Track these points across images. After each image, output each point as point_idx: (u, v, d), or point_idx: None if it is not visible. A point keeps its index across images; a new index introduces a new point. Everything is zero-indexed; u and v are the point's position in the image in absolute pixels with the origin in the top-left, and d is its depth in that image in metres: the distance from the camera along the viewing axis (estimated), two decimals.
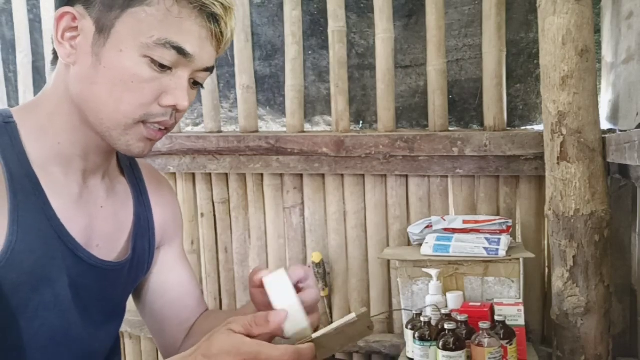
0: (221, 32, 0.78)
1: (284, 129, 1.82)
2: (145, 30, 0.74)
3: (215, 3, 0.76)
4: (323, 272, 1.73)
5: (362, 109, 1.76)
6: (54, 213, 0.77)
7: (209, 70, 0.81)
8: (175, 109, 0.79)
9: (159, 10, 0.74)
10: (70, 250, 0.79)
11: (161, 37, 0.74)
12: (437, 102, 1.62)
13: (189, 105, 0.80)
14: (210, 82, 1.83)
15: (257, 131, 1.81)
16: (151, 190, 0.96)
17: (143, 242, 0.93)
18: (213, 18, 0.76)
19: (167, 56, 0.74)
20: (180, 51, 0.75)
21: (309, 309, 0.78)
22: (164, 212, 0.98)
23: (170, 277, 1.00)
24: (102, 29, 0.74)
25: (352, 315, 0.72)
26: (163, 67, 0.75)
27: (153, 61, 0.74)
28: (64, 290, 0.79)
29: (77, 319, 0.82)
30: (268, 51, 1.81)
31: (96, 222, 0.84)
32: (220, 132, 1.85)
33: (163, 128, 0.80)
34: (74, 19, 0.75)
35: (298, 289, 0.80)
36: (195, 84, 0.82)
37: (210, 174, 1.86)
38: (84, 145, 0.80)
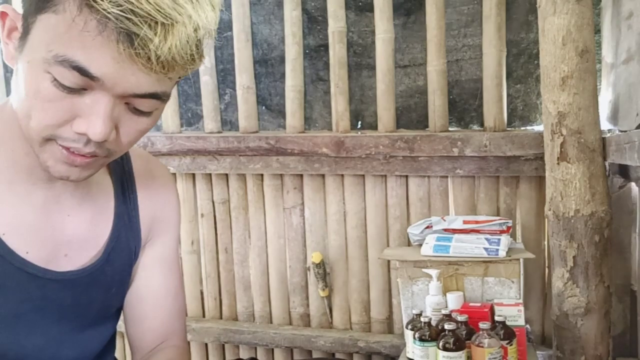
0: (148, 56, 0.59)
1: (280, 128, 1.82)
2: (48, 42, 0.60)
3: (133, 18, 0.57)
4: (323, 272, 1.73)
5: (360, 108, 1.76)
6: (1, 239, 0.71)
7: (154, 97, 0.64)
8: (88, 138, 0.64)
9: (64, 20, 0.58)
10: (24, 272, 0.73)
11: (59, 54, 0.59)
12: (437, 103, 1.62)
13: (135, 137, 0.68)
14: (210, 82, 1.82)
15: (257, 131, 1.81)
16: (140, 185, 0.87)
17: (127, 241, 0.85)
18: (127, 37, 0.58)
19: (68, 76, 0.60)
20: (83, 72, 0.59)
21: None
22: (152, 208, 0.89)
23: (143, 284, 0.89)
24: (23, 34, 0.63)
25: None
26: (71, 88, 0.61)
27: (56, 79, 0.60)
28: (23, 309, 0.74)
29: (53, 332, 0.78)
30: (264, 50, 1.81)
31: (62, 233, 0.78)
32: (220, 132, 1.85)
33: (88, 154, 0.66)
34: (13, 18, 0.65)
35: None
36: (141, 111, 0.66)
37: (210, 174, 1.86)
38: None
